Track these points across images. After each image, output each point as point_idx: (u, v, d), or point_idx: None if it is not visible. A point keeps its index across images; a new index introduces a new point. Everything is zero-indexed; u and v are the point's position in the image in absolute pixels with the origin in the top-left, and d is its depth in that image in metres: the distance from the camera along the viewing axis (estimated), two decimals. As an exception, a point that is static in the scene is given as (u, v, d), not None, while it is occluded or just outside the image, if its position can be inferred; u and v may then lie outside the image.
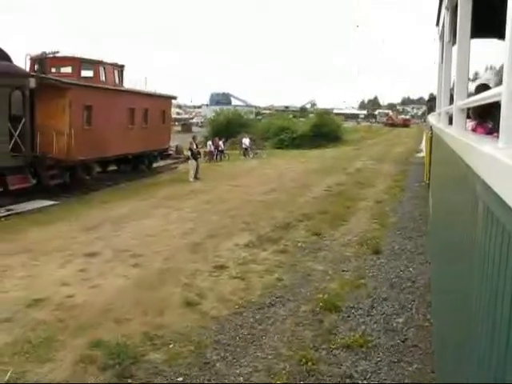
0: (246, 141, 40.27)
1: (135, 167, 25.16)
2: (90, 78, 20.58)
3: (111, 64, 22.07)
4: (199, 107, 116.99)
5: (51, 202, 16.72)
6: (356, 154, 35.37)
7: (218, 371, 5.54)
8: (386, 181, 20.76)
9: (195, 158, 22.19)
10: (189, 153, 22.43)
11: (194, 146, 22.52)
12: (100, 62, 21.06)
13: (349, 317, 6.94)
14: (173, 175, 25.63)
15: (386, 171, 24.59)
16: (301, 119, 69.52)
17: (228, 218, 13.25)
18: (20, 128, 15.87)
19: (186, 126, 79.11)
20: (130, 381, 5.34)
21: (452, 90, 4.88)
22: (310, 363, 5.62)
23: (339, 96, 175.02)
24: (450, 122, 4.84)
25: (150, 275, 8.61)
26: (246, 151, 39.95)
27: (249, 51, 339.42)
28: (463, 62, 3.65)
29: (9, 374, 5.28)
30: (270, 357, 5.86)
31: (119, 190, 20.53)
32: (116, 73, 22.40)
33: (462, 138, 3.00)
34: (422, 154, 30.07)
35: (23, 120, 16.04)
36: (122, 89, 22.89)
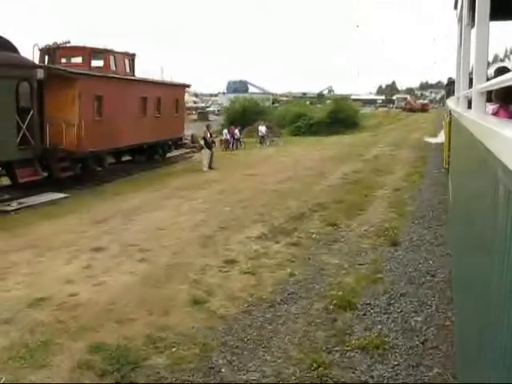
0: (262, 128, 39.84)
1: (149, 157, 24.89)
2: (101, 67, 20.26)
3: (121, 53, 21.71)
4: (216, 95, 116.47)
5: (63, 195, 16.48)
6: (373, 140, 34.76)
7: (224, 377, 5.19)
8: (404, 167, 20.23)
9: (209, 147, 21.85)
10: (202, 142, 22.11)
11: (208, 135, 22.17)
12: (110, 51, 20.73)
13: (364, 315, 6.54)
14: (187, 165, 25.35)
15: (404, 157, 24.03)
16: (318, 106, 68.78)
17: (241, 209, 12.88)
18: (28, 120, 15.62)
19: (203, 115, 78.67)
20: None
21: (471, 73, 4.74)
22: (321, 368, 5.24)
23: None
24: (469, 106, 4.77)
25: (156, 271, 8.28)
26: (262, 139, 39.54)
27: (249, 51, 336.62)
28: (482, 44, 3.51)
29: (1, 381, 4.98)
30: (279, 360, 5.49)
31: (132, 180, 20.29)
32: (127, 62, 22.06)
33: (482, 121, 2.91)
34: (437, 140, 29.47)
35: (31, 112, 15.79)
36: (133, 78, 22.54)
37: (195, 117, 79.71)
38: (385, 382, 5.12)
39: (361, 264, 8.49)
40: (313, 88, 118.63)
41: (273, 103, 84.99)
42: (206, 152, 21.79)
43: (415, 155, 24.66)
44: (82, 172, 18.65)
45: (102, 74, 19.51)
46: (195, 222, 11.67)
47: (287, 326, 6.32)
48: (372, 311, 6.63)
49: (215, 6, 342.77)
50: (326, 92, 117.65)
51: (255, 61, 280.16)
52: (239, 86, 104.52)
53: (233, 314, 6.66)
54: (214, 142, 22.88)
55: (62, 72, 17.35)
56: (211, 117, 76.30)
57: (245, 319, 6.49)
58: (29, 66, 16.22)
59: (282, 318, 6.50)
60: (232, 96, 68.41)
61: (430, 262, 8.47)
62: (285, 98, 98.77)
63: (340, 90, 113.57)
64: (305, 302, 7.01)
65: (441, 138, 30.99)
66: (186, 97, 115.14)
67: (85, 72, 18.58)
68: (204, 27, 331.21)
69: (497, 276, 1.88)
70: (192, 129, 39.10)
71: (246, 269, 8.27)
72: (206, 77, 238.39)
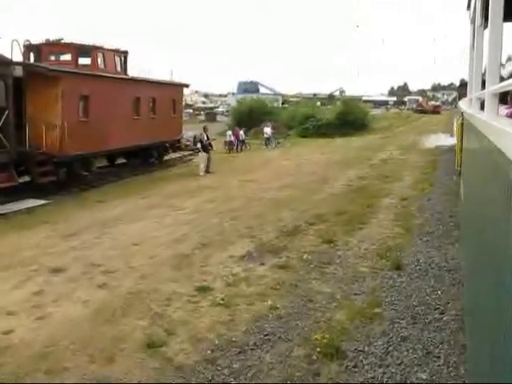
0: (267, 130, 38.58)
1: (144, 160, 23.61)
2: (88, 65, 19.01)
3: (112, 50, 20.42)
4: (225, 96, 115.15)
5: (42, 202, 15.31)
6: (383, 143, 33.43)
7: None
8: (413, 173, 18.88)
9: (206, 151, 20.57)
10: (199, 145, 20.80)
11: (205, 137, 20.88)
12: (98, 48, 19.40)
13: (355, 367, 5.24)
14: (184, 169, 24.17)
15: (413, 162, 22.68)
16: (329, 107, 67.37)
17: (230, 221, 11.62)
18: (2, 121, 14.38)
19: (211, 115, 77.40)
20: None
21: (484, 75, 4.70)
22: None
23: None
24: (482, 107, 4.73)
25: (115, 301, 7.03)
26: (267, 141, 38.30)
27: (249, 51, 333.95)
28: (495, 45, 3.51)
29: None
30: None
31: (122, 185, 19.12)
32: (117, 59, 20.76)
33: (494, 123, 2.89)
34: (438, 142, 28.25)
35: (6, 112, 14.54)
36: (124, 77, 21.22)
37: (203, 117, 78.60)
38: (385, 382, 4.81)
39: (356, 294, 7.20)
40: (324, 89, 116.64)
41: (283, 104, 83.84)
42: (202, 155, 20.55)
43: (425, 159, 23.30)
44: (67, 177, 17.40)
45: (88, 72, 18.23)
46: (176, 236, 10.42)
47: (257, 381, 5.05)
48: (365, 362, 5.33)
49: (215, 6, 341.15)
50: (337, 93, 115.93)
51: (255, 61, 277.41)
52: (250, 87, 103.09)
53: (192, 362, 5.39)
54: (211, 145, 21.57)
55: (43, 70, 16.13)
56: (219, 117, 75.13)
57: (206, 371, 5.23)
58: (4, 62, 15.01)
59: (252, 370, 5.24)
60: (240, 97, 67.18)
61: (439, 292, 7.15)
62: (295, 99, 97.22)
63: (351, 91, 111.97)
64: (284, 346, 5.73)
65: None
66: (195, 97, 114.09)
67: (68, 70, 17.32)
68: (204, 27, 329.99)
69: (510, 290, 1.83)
70: (198, 130, 37.83)
71: (220, 299, 7.00)
72: (216, 77, 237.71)
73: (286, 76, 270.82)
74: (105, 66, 19.55)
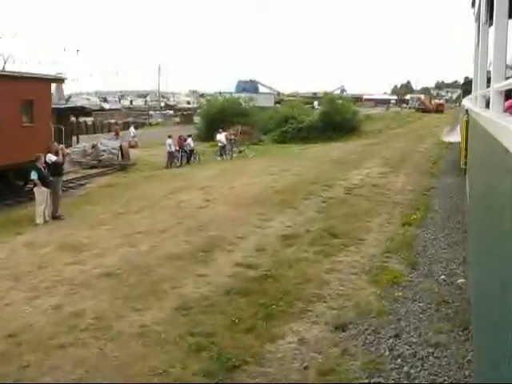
0: (221, 137, 30.47)
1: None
2: None
3: None
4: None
5: None
6: (367, 153, 25.55)
7: None
8: (387, 223, 10.86)
9: (46, 184, 12.25)
10: (33, 176, 12.24)
11: (44, 161, 12.40)
12: None
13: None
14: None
15: (396, 190, 14.76)
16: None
17: None
18: None
19: (186, 117, 68.73)
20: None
21: (489, 72, 4.69)
22: None
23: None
24: (487, 105, 4.93)
25: None
26: (222, 150, 30.30)
27: (249, 49, 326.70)
28: (501, 42, 3.44)
29: None
30: None
31: None
32: None
33: (500, 120, 2.89)
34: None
35: None
36: None
37: (177, 119, 70.32)
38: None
39: None
40: (326, 88, 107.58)
41: (278, 103, 75.97)
42: (40, 192, 12.16)
43: (415, 186, 15.31)
44: None
45: None
46: None
47: None
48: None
49: (215, 7, 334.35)
50: (338, 92, 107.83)
51: (255, 59, 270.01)
52: (249, 86, 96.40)
53: None
54: (59, 172, 13.13)
55: None
56: (197, 119, 66.75)
57: None
58: None
59: None
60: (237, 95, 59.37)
61: None
62: (292, 98, 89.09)
63: (353, 89, 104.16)
64: None
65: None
66: (181, 97, 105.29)
67: None
68: (204, 24, 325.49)
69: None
70: (168, 133, 29.58)
71: None
72: (215, 77, 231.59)
73: (286, 75, 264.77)
74: None
